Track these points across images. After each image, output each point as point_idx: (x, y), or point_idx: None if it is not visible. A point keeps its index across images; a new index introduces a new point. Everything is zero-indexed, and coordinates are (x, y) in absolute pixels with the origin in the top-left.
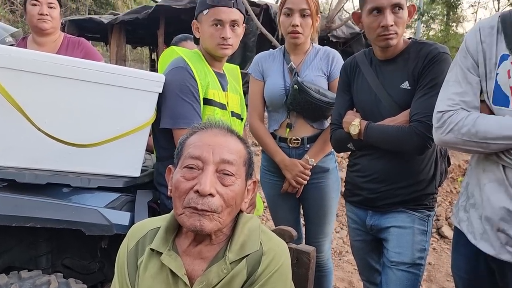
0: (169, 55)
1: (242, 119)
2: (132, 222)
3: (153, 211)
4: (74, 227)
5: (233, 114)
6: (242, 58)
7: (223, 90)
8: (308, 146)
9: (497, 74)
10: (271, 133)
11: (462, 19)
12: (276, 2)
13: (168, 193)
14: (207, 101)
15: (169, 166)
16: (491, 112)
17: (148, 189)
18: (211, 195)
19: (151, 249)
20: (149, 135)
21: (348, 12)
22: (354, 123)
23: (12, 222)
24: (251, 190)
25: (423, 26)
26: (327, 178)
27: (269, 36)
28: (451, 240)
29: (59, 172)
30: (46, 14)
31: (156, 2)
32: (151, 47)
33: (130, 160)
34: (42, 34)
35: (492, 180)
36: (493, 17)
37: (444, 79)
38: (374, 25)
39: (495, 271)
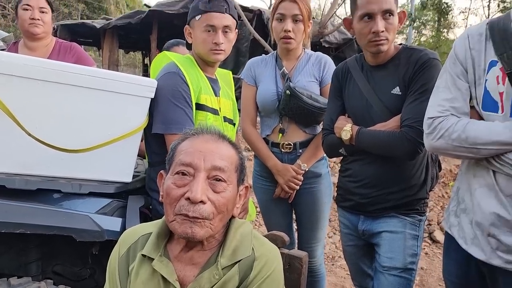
0: (161, 60)
1: (234, 124)
2: (123, 228)
3: (145, 217)
4: (65, 233)
5: (225, 119)
6: (235, 63)
7: (216, 95)
8: (300, 151)
9: (486, 80)
10: (264, 138)
11: (453, 25)
12: (269, 8)
13: (160, 198)
14: (200, 106)
15: (161, 171)
16: (480, 118)
17: (140, 195)
18: (202, 202)
19: (142, 255)
20: (141, 140)
21: (340, 18)
22: (346, 129)
23: (1, 228)
24: (243, 195)
25: (415, 32)
26: (319, 183)
27: (262, 41)
28: (443, 245)
29: (50, 178)
30: (38, 19)
31: (149, 7)
32: (143, 52)
33: (121, 165)
34: (33, 38)
35: (483, 186)
36: (481, 24)
37: (434, 85)
38: (365, 31)
39: (486, 276)
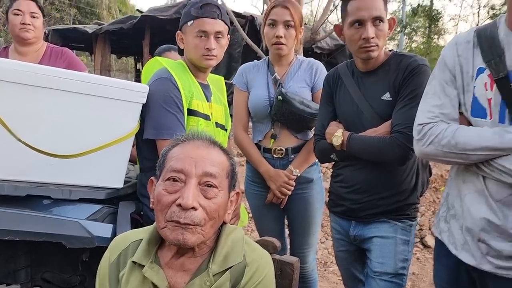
0: (153, 66)
1: (226, 130)
2: (114, 234)
3: (136, 223)
4: (54, 239)
5: (217, 125)
6: (228, 68)
7: (207, 101)
8: (292, 156)
9: (474, 87)
10: (256, 144)
11: (444, 31)
12: (262, 14)
13: (150, 205)
14: (191, 112)
15: (151, 178)
16: (469, 124)
17: (131, 201)
18: (193, 208)
19: (133, 261)
20: (133, 146)
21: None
22: (337, 134)
23: None
24: (234, 201)
25: (406, 38)
26: (311, 189)
27: (255, 47)
28: (434, 251)
29: (39, 184)
30: (29, 24)
31: (141, 12)
32: (136, 57)
33: (113, 171)
34: (24, 43)
35: (472, 191)
36: (469, 32)
37: (423, 92)
38: (356, 38)
39: (476, 281)
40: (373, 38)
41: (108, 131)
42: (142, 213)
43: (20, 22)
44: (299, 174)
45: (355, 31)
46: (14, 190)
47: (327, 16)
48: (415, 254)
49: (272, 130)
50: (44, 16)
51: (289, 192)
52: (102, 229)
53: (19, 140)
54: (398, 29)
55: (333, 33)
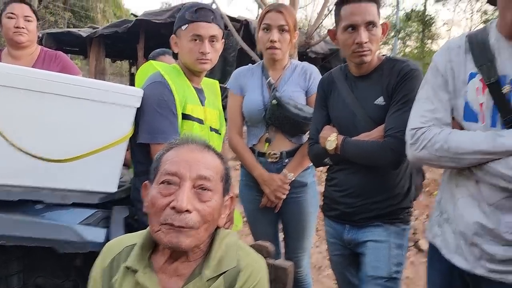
0: (147, 70)
1: (220, 134)
2: (107, 239)
3: (130, 227)
4: (47, 244)
5: (211, 129)
6: (222, 72)
7: (202, 105)
8: (286, 160)
9: (466, 91)
10: (250, 148)
11: (437, 36)
12: (256, 18)
13: (144, 209)
14: (185, 116)
15: (145, 182)
16: (462, 129)
17: (125, 205)
18: (188, 211)
19: (126, 267)
20: (127, 150)
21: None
22: (330, 139)
23: None
24: (228, 205)
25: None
26: (305, 193)
27: (249, 51)
28: (427, 255)
29: (32, 188)
30: (22, 27)
31: (136, 16)
32: (130, 60)
33: (107, 175)
34: (18, 47)
35: (465, 195)
36: (460, 37)
37: (416, 96)
38: (349, 42)
39: (470, 285)
40: (366, 42)
41: (102, 135)
42: (136, 217)
43: (13, 26)
44: (293, 178)
45: (348, 35)
46: (6, 195)
47: (321, 21)
48: (409, 258)
49: (267, 134)
50: (38, 19)
51: (284, 196)
52: (95, 234)
53: (12, 144)
54: (392, 33)
55: (327, 37)
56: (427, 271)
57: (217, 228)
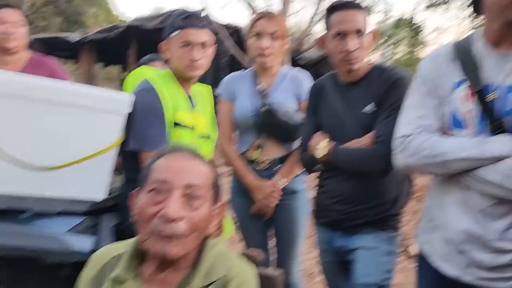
0: (136, 76)
1: (211, 140)
2: (95, 248)
3: (120, 235)
4: (31, 255)
5: (202, 135)
6: (214, 78)
7: (193, 111)
8: (277, 167)
9: (453, 99)
10: (241, 155)
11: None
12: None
13: (132, 218)
14: (175, 124)
15: (132, 191)
16: (449, 136)
17: (115, 212)
18: (177, 219)
19: (114, 277)
20: (118, 155)
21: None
22: (319, 147)
23: None
24: (218, 213)
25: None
26: (296, 200)
27: (241, 57)
28: (416, 262)
29: (19, 197)
30: (11, 33)
31: (124, 22)
32: (122, 66)
33: (96, 182)
34: (6, 53)
35: (454, 202)
36: (447, 45)
37: (404, 104)
38: (338, 49)
39: None
40: (355, 50)
41: (91, 141)
42: (126, 224)
43: (2, 32)
44: (285, 185)
45: (337, 43)
46: None
47: (312, 27)
48: (400, 263)
49: (258, 140)
50: (28, 24)
51: (275, 203)
52: (82, 243)
53: None
54: (382, 40)
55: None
56: (417, 278)
57: (207, 236)
